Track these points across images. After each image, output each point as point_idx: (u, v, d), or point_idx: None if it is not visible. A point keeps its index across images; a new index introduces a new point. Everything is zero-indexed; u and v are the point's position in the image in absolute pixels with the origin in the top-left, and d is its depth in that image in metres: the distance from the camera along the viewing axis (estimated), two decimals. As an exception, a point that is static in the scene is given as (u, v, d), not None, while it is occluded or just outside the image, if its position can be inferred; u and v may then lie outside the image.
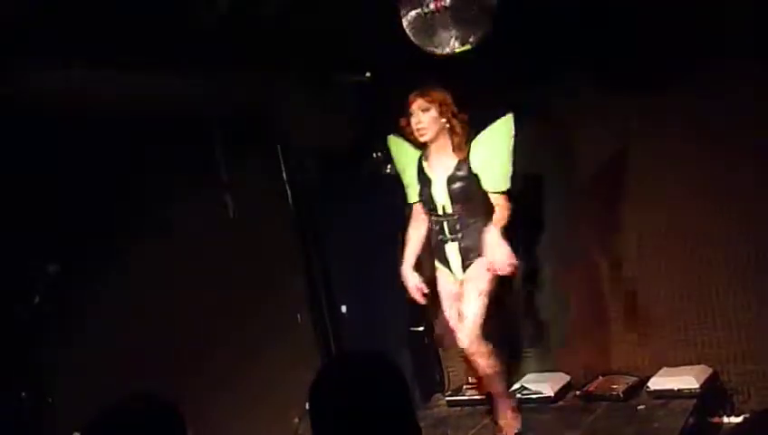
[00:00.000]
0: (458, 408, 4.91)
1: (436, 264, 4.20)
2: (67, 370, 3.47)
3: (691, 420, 4.10)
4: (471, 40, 3.78)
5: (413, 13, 3.73)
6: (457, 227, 4.06)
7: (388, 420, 1.84)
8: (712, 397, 4.31)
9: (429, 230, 4.20)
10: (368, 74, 4.79)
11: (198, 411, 2.57)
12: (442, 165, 4.07)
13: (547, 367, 4.93)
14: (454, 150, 4.03)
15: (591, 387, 4.64)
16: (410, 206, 4.30)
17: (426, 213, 4.18)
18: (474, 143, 4.02)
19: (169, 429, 1.97)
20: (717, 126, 4.23)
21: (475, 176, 4.00)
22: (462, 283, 4.09)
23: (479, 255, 4.00)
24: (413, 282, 4.22)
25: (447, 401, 5.01)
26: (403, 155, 4.27)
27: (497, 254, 3.87)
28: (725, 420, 4.31)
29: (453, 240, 4.08)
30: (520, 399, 4.71)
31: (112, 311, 3.65)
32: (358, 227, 4.88)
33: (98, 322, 3.59)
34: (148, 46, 3.35)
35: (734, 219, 4.29)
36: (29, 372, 3.25)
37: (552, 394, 4.66)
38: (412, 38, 3.82)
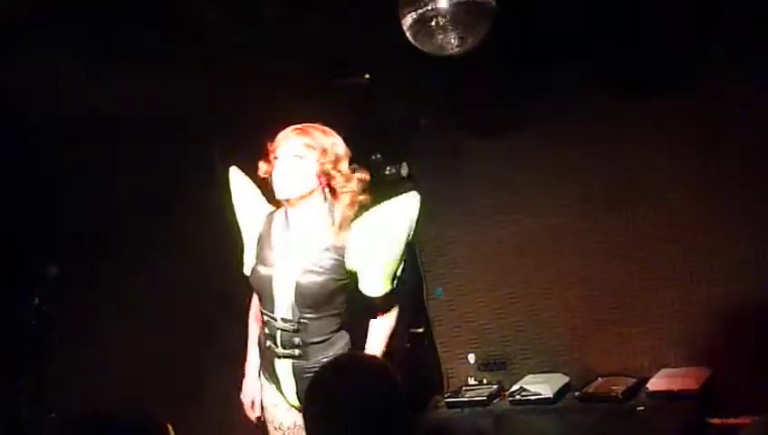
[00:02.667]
0: (458, 409, 4.90)
1: (261, 378, 3.00)
2: (65, 371, 3.46)
3: (690, 422, 4.10)
4: (470, 41, 3.78)
5: (413, 14, 3.66)
6: (296, 341, 2.80)
7: (381, 422, 1.84)
8: (711, 398, 4.31)
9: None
10: (366, 76, 4.79)
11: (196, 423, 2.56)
12: (303, 242, 2.81)
13: (546, 368, 4.93)
14: (332, 226, 2.80)
15: (591, 388, 4.64)
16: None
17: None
18: (356, 226, 2.81)
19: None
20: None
21: (343, 276, 2.80)
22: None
23: None
24: (250, 397, 3.02)
25: (447, 402, 5.00)
26: (246, 198, 2.98)
27: None
28: (724, 421, 4.31)
29: (285, 357, 2.84)
30: (519, 400, 4.73)
31: (112, 314, 3.65)
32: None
33: (97, 325, 3.59)
34: (142, 46, 3.35)
35: (733, 224, 4.31)
36: (28, 373, 3.24)
37: (551, 395, 4.65)
38: (411, 40, 3.82)
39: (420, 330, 5.22)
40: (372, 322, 2.94)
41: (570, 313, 4.87)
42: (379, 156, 5.01)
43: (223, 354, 4.13)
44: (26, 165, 3.36)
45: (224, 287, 3.91)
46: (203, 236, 3.78)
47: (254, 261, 2.89)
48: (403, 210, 2.87)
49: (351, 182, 2.81)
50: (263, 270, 2.83)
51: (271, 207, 2.94)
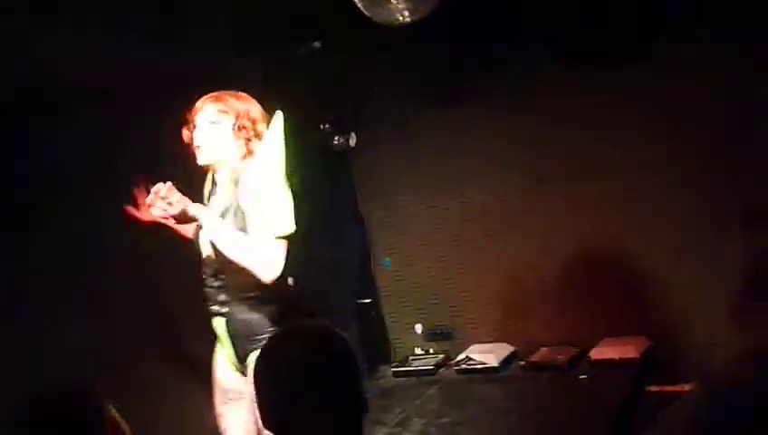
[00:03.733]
0: (404, 378, 4.94)
1: (217, 343, 3.01)
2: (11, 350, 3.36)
3: (631, 389, 4.20)
4: (422, 10, 3.75)
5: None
6: (221, 296, 2.86)
7: (334, 391, 1.83)
8: (651, 366, 4.42)
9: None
10: (317, 43, 4.72)
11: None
12: (219, 200, 2.91)
13: (492, 338, 4.99)
14: (232, 172, 2.89)
15: (535, 357, 4.71)
16: None
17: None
18: (241, 168, 2.86)
19: (91, 415, 1.96)
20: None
21: (244, 216, 2.80)
22: (246, 378, 2.87)
23: (257, 339, 2.80)
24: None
25: (393, 371, 5.04)
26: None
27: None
28: (663, 388, 4.43)
29: (218, 314, 2.90)
30: (465, 369, 4.78)
31: (46, 287, 3.54)
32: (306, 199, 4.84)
33: (32, 299, 3.48)
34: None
35: (684, 195, 4.37)
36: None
37: (497, 364, 4.72)
38: (363, 9, 3.77)
39: (368, 300, 5.24)
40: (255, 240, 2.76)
41: (516, 283, 4.92)
42: (327, 126, 4.97)
43: (177, 320, 4.06)
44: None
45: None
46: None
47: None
48: (268, 137, 2.86)
49: (261, 135, 2.87)
50: (199, 232, 2.93)
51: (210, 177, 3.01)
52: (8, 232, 3.14)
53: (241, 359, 2.91)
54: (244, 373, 2.93)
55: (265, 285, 2.80)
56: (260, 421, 2.65)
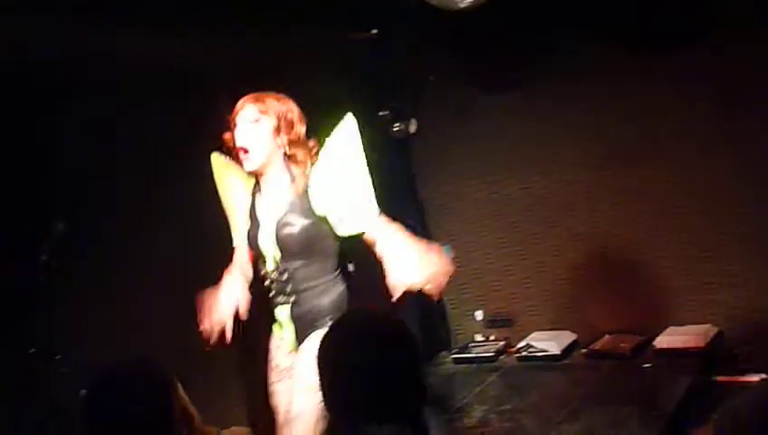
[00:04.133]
0: (465, 365, 4.93)
1: (274, 327, 3.17)
2: (75, 326, 3.49)
3: (696, 379, 4.12)
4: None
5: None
6: (288, 289, 3.00)
7: (396, 376, 1.84)
8: (717, 355, 4.32)
9: (253, 285, 3.16)
10: (374, 31, 4.72)
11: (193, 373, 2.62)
12: (273, 202, 2.99)
13: (553, 326, 4.95)
14: (292, 183, 2.95)
15: (598, 345, 4.65)
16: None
17: (253, 262, 3.14)
18: (312, 172, 2.95)
19: (163, 390, 2.04)
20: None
21: (321, 218, 2.93)
22: (297, 355, 3.05)
23: (318, 325, 2.96)
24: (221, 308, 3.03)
25: (453, 358, 5.03)
26: (229, 180, 3.16)
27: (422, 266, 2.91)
28: (731, 379, 4.33)
29: (283, 304, 3.05)
30: (526, 356, 4.75)
31: (119, 269, 3.66)
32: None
33: (104, 279, 3.60)
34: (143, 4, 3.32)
35: (747, 180, 4.27)
36: (38, 328, 3.26)
37: (559, 352, 4.68)
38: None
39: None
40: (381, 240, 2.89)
41: (578, 270, 4.86)
42: (387, 112, 4.97)
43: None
44: (31, 122, 3.34)
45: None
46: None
47: (246, 227, 3.09)
48: (345, 139, 2.93)
49: (305, 146, 2.96)
50: (252, 233, 3.05)
51: (252, 180, 3.11)
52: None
53: (300, 340, 3.06)
54: (296, 351, 3.08)
55: (328, 275, 2.99)
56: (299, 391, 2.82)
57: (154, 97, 3.64)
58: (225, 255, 3.22)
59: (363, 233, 2.92)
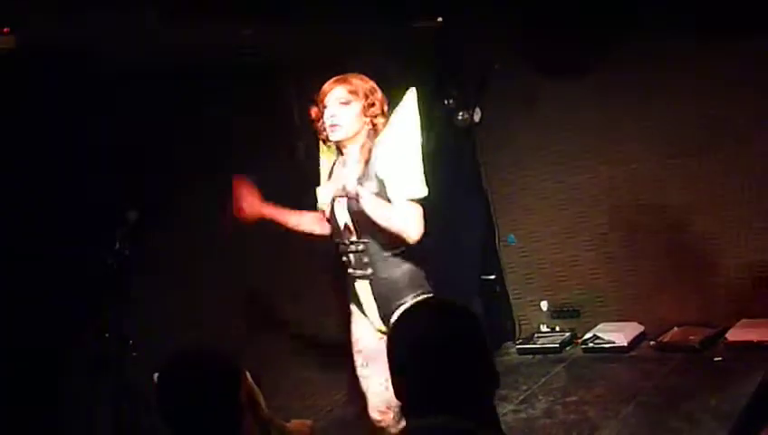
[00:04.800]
0: (529, 356, 4.90)
1: (351, 307, 3.21)
2: (147, 312, 3.58)
3: (770, 373, 4.01)
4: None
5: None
6: (365, 259, 3.05)
7: (466, 365, 1.84)
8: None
9: (329, 239, 3.22)
10: (439, 19, 4.70)
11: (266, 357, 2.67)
12: (350, 174, 3.11)
13: (620, 317, 4.87)
14: (362, 147, 3.08)
15: (666, 337, 4.57)
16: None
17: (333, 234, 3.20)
18: (376, 143, 3.08)
19: (230, 376, 2.09)
20: None
21: (382, 183, 3.02)
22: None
23: (401, 302, 2.98)
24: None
25: (518, 348, 5.01)
26: (321, 152, 3.32)
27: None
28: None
29: (362, 277, 3.08)
30: (592, 348, 4.69)
31: (190, 257, 3.74)
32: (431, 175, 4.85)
33: (176, 267, 3.68)
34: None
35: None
36: (112, 314, 3.36)
37: (626, 344, 4.61)
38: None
39: (492, 277, 5.21)
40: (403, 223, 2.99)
41: (647, 260, 4.78)
42: (451, 101, 4.95)
43: (297, 296, 4.21)
44: (106, 110, 3.42)
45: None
46: (284, 183, 3.81)
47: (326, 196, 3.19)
48: (405, 112, 3.06)
49: (384, 112, 3.10)
50: (331, 204, 3.15)
51: (335, 154, 3.26)
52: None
53: (385, 320, 3.06)
54: (385, 334, 3.02)
55: (406, 243, 2.99)
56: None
57: (223, 84, 3.70)
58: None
59: (409, 199, 2.98)
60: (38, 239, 3.26)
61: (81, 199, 3.39)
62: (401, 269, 3.03)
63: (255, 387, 2.17)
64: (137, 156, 3.52)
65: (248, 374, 2.15)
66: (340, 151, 3.17)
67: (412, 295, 2.98)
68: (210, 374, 2.07)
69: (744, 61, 4.28)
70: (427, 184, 2.98)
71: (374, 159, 3.03)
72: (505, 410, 4.12)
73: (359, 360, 3.17)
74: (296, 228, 3.29)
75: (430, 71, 4.79)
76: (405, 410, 1.94)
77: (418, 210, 2.97)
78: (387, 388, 2.99)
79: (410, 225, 2.95)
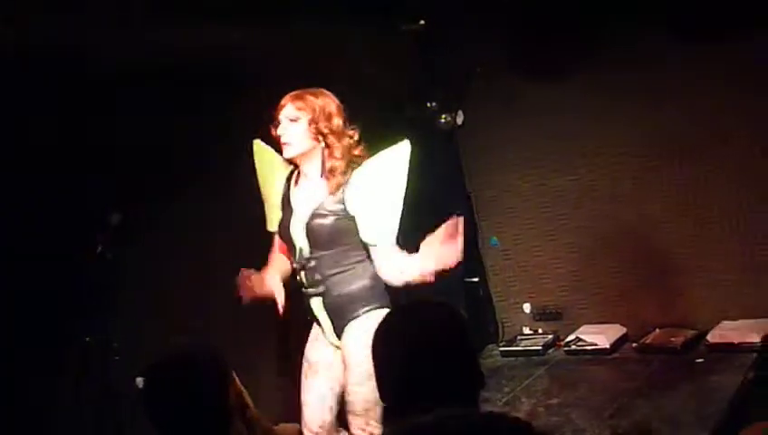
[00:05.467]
0: (512, 358, 4.91)
1: (314, 322, 3.22)
2: (129, 315, 3.55)
3: (750, 375, 4.04)
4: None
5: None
6: (316, 276, 3.08)
7: (452, 365, 1.85)
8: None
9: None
10: (422, 22, 4.70)
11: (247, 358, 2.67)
12: (307, 194, 3.12)
13: (602, 319, 4.89)
14: (324, 177, 3.07)
15: (648, 339, 4.60)
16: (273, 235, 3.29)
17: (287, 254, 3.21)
18: (354, 174, 3.05)
19: (219, 378, 2.09)
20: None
21: (349, 217, 3.05)
22: (341, 351, 3.10)
23: (354, 315, 3.04)
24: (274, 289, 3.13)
25: (501, 351, 5.02)
26: (268, 167, 3.29)
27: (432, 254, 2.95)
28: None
29: (314, 295, 3.11)
30: (575, 350, 4.71)
31: (173, 260, 3.71)
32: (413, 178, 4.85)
33: (158, 269, 3.66)
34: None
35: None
36: (94, 317, 3.34)
37: (608, 346, 4.63)
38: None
39: (475, 279, 5.22)
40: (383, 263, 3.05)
41: (629, 263, 4.81)
42: (434, 104, 4.95)
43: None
44: (84, 111, 3.40)
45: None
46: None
47: (280, 216, 3.21)
48: (396, 161, 3.06)
49: (343, 137, 3.08)
50: (284, 222, 3.18)
51: (289, 168, 3.26)
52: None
53: (338, 333, 3.11)
54: (338, 347, 3.13)
55: (354, 261, 3.08)
56: (354, 385, 2.91)
57: (207, 87, 3.68)
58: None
59: (376, 245, 3.04)
60: (20, 241, 3.23)
61: (64, 201, 3.36)
62: (356, 284, 3.06)
63: (243, 389, 2.16)
64: (122, 157, 3.49)
65: (235, 375, 2.14)
66: (296, 167, 3.18)
67: (366, 309, 3.02)
68: (200, 374, 2.06)
69: (729, 61, 4.30)
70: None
71: (346, 189, 3.03)
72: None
73: (305, 369, 3.20)
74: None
75: (412, 73, 4.79)
76: (386, 413, 1.94)
77: (396, 252, 3.01)
78: (323, 404, 3.11)
79: (390, 267, 3.00)
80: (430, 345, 1.84)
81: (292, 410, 3.28)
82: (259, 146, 3.27)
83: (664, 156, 4.62)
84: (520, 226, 5.12)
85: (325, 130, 3.04)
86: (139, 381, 3.17)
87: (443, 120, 4.98)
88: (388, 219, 3.01)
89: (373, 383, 2.39)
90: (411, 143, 3.05)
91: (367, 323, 2.92)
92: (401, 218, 3.01)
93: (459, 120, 5.00)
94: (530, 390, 4.39)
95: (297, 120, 3.05)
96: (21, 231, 3.22)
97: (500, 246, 5.22)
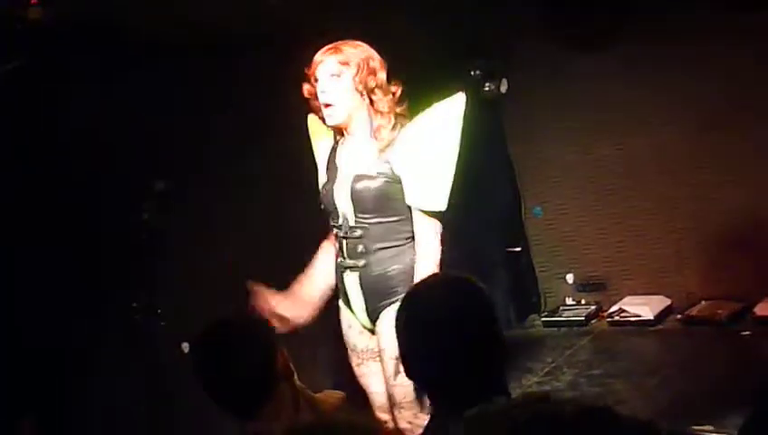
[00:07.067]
0: (554, 329, 4.90)
1: (340, 302, 2.97)
2: (176, 283, 3.62)
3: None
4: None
5: None
6: (359, 248, 2.81)
7: (476, 338, 1.85)
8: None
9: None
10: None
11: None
12: (353, 155, 2.85)
13: (647, 290, 4.85)
14: (373, 136, 2.80)
15: (693, 311, 4.55)
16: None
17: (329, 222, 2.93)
18: (402, 131, 2.79)
19: (267, 345, 2.13)
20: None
21: (397, 179, 2.77)
22: (377, 337, 2.85)
23: (391, 300, 2.74)
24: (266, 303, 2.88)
25: (543, 321, 5.01)
26: (320, 139, 3.03)
27: None
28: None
29: (352, 268, 2.84)
30: (618, 321, 4.68)
31: (219, 227, 3.76)
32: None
33: (205, 237, 3.70)
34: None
35: None
36: (141, 283, 3.40)
37: (652, 317, 4.60)
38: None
39: (518, 249, 5.20)
40: (419, 240, 2.79)
41: (674, 234, 4.74)
42: (477, 72, 4.90)
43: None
44: (123, 82, 3.43)
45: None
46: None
47: (323, 181, 2.96)
48: (449, 114, 2.77)
49: (388, 93, 2.80)
50: (327, 186, 2.92)
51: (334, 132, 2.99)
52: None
53: (371, 317, 2.86)
54: (374, 332, 2.88)
55: (401, 239, 2.81)
56: (391, 378, 2.74)
57: (249, 54, 3.69)
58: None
59: (426, 211, 2.77)
60: (67, 209, 3.29)
61: (110, 170, 3.41)
62: (401, 265, 2.79)
63: (289, 357, 2.19)
64: (169, 128, 3.52)
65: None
66: (340, 132, 2.89)
67: (401, 291, 2.64)
68: (251, 341, 2.10)
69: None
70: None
71: (393, 149, 2.76)
72: (530, 383, 4.13)
73: (353, 359, 2.96)
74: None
75: (457, 41, 4.74)
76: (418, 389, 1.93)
77: (437, 228, 2.75)
78: (387, 388, 2.82)
79: (426, 258, 2.72)
80: (453, 318, 1.84)
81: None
82: (313, 120, 3.00)
83: (710, 127, 4.52)
84: (564, 196, 5.08)
85: (371, 84, 2.75)
86: (185, 346, 3.24)
87: (487, 89, 4.93)
88: (438, 181, 2.72)
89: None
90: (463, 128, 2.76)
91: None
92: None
93: (503, 88, 4.95)
94: (572, 360, 4.38)
95: (340, 75, 2.75)
96: (68, 200, 3.28)
97: (543, 217, 5.18)
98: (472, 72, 4.90)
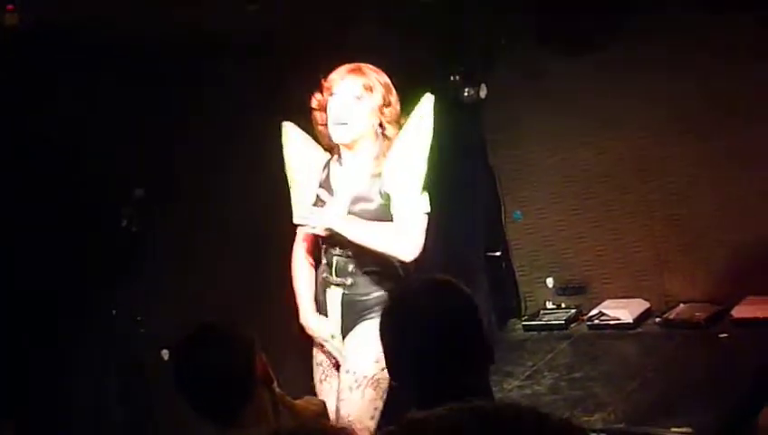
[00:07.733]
0: (535, 332, 4.91)
1: (313, 310, 3.01)
2: (154, 290, 3.60)
3: (776, 350, 4.02)
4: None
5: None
6: (350, 268, 2.85)
7: (459, 341, 1.85)
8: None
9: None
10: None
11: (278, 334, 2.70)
12: (353, 175, 2.89)
13: (626, 294, 4.87)
14: (375, 159, 2.85)
15: (672, 314, 4.58)
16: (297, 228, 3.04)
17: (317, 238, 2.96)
18: (388, 154, 2.86)
19: (246, 351, 2.14)
20: None
21: (387, 197, 2.82)
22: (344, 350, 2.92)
23: (365, 317, 2.82)
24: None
25: (524, 325, 5.02)
26: (302, 151, 3.01)
27: None
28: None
29: (337, 285, 2.89)
30: (598, 324, 4.70)
31: (197, 234, 3.74)
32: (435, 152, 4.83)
33: (184, 244, 3.69)
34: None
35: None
36: (119, 291, 3.38)
37: (632, 320, 4.62)
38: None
39: (498, 253, 5.21)
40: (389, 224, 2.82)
41: (653, 237, 4.77)
42: (457, 77, 4.92)
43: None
44: (104, 86, 3.42)
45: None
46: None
47: (313, 198, 2.96)
48: (421, 117, 2.83)
49: (398, 123, 2.87)
50: (319, 205, 2.93)
51: (327, 155, 3.00)
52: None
53: (345, 332, 2.92)
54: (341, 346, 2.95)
55: (390, 263, 2.86)
56: (342, 392, 2.76)
57: (233, 59, 3.68)
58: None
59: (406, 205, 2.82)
60: (46, 213, 3.27)
61: (89, 175, 3.39)
62: (381, 291, 2.84)
63: (268, 363, 2.19)
64: (148, 131, 3.51)
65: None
66: (331, 151, 2.93)
67: (378, 310, 2.56)
68: (229, 347, 2.11)
69: (756, 34, 4.22)
70: (431, 162, 2.84)
71: (384, 173, 2.81)
72: (511, 386, 4.14)
73: (317, 372, 3.01)
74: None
75: (435, 46, 4.76)
76: (399, 390, 1.95)
77: (422, 224, 2.80)
78: (336, 402, 2.83)
79: (409, 240, 2.77)
80: (436, 321, 1.85)
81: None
82: (291, 128, 3.01)
83: (689, 130, 4.56)
84: (543, 200, 5.10)
85: (389, 116, 2.80)
86: (165, 352, 3.22)
87: (466, 94, 4.94)
88: (413, 170, 2.78)
89: (361, 392, 2.48)
90: (436, 118, 2.87)
91: (369, 330, 2.64)
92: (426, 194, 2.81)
93: (482, 93, 4.96)
94: (552, 364, 4.39)
95: (361, 99, 2.77)
96: (48, 203, 3.25)
97: (523, 220, 5.20)
98: (451, 78, 4.91)
